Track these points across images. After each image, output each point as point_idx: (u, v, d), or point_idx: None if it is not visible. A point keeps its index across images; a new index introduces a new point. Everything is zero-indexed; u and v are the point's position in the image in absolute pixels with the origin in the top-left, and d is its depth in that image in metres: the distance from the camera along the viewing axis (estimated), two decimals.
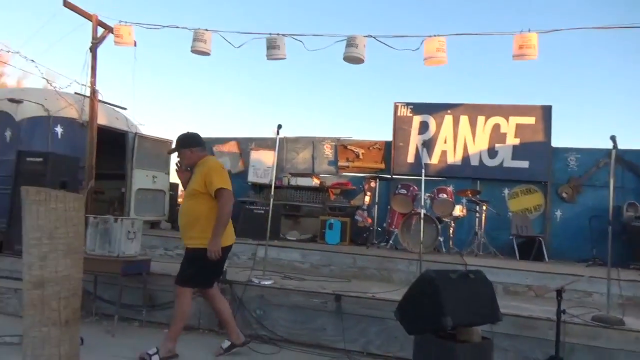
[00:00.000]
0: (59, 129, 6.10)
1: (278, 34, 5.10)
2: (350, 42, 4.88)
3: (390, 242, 6.60)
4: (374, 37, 4.87)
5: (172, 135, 9.21)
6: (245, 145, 8.64)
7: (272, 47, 5.15)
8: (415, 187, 6.68)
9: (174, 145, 4.01)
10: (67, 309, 2.22)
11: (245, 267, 5.48)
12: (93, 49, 6.19)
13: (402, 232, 6.37)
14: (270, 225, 6.90)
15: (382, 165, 8.14)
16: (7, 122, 5.95)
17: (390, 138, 8.06)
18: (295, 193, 7.89)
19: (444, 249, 6.47)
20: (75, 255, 2.27)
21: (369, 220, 7.26)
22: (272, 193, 4.98)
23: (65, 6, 5.79)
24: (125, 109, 7.51)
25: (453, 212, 6.59)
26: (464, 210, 6.79)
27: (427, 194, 6.58)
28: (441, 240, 6.43)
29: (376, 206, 7.17)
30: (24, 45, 5.93)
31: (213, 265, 3.55)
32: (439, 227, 6.31)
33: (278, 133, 4.84)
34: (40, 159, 5.23)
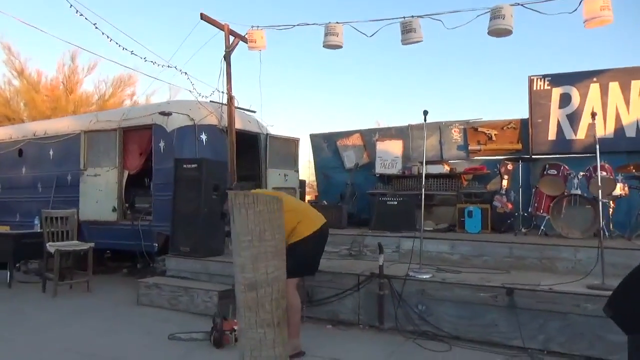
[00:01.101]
0: (203, 136, 6.47)
1: (413, 17, 4.87)
2: (496, 14, 4.50)
3: (542, 228, 6.05)
4: (522, 5, 4.43)
5: (299, 134, 9.35)
6: (369, 137, 8.52)
7: (408, 30, 4.94)
8: (566, 167, 6.07)
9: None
10: (278, 310, 2.24)
11: (391, 260, 5.37)
12: (227, 57, 6.47)
13: (553, 217, 5.83)
14: (405, 217, 6.82)
15: (519, 146, 7.53)
16: (160, 133, 6.45)
17: (525, 115, 7.42)
18: (426, 182, 7.57)
19: (607, 233, 5.77)
20: (281, 257, 2.29)
21: (510, 206, 6.74)
22: (424, 183, 4.78)
23: (202, 19, 6.11)
24: (254, 112, 7.79)
25: (613, 192, 5.87)
26: (625, 189, 6.01)
27: (582, 173, 5.95)
28: (603, 223, 5.74)
29: (520, 190, 6.61)
30: (171, 59, 6.32)
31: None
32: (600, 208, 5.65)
33: (425, 119, 4.62)
34: (195, 165, 5.57)
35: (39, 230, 6.59)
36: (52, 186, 7.55)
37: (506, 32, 4.68)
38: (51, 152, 7.75)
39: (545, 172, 6.09)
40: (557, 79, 7.19)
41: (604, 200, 5.88)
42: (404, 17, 4.92)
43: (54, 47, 28.29)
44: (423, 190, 4.83)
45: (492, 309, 3.95)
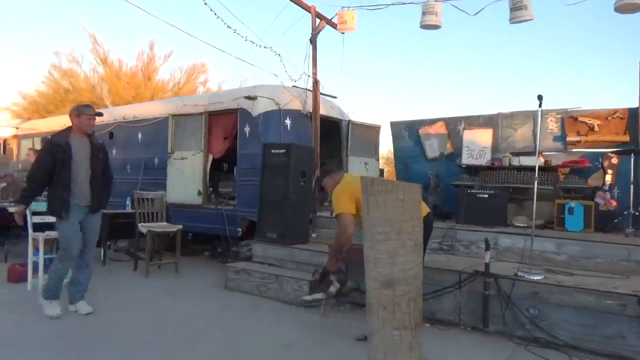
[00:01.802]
0: (288, 121, 6.36)
1: None
2: None
3: None
4: None
5: (380, 121, 9.05)
6: (454, 125, 8.06)
7: (517, 8, 4.50)
8: None
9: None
10: (416, 311, 2.01)
11: (482, 257, 5.00)
12: (313, 40, 6.28)
13: None
14: (497, 211, 6.37)
15: (626, 137, 6.79)
16: (246, 118, 6.41)
17: (635, 104, 6.67)
18: (518, 174, 7.05)
19: None
20: (420, 252, 2.05)
21: (614, 203, 6.08)
22: (537, 175, 4.37)
23: (291, 0, 5.95)
24: (335, 97, 7.58)
25: None
26: None
27: None
28: None
29: (632, 186, 5.96)
30: (261, 41, 6.21)
31: None
32: None
33: (540, 105, 4.19)
34: (284, 150, 5.45)
35: (130, 211, 6.79)
36: (140, 168, 7.77)
37: (636, 8, 4.12)
38: (140, 135, 7.97)
39: None
40: None
41: None
42: None
43: (133, 35, 29.55)
44: (536, 184, 4.42)
45: (619, 318, 3.51)
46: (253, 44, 6.32)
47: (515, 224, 6.64)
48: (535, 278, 3.96)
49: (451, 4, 4.89)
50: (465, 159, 7.58)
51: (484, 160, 7.44)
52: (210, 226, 6.78)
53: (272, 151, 5.56)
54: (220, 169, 7.82)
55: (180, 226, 6.16)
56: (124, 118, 8.43)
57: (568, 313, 3.72)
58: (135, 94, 19.53)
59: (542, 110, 4.25)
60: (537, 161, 4.49)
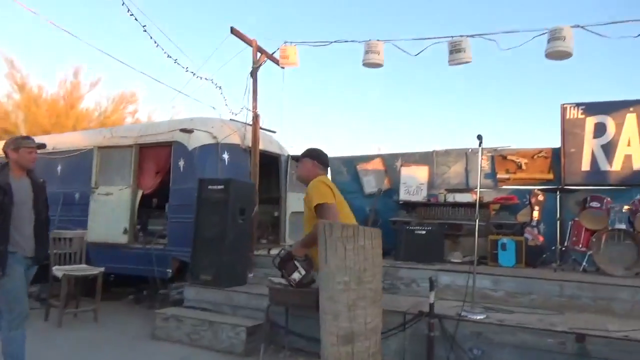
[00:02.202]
0: (226, 156, 6.14)
1: (462, 36, 4.63)
2: (555, 35, 4.27)
3: (584, 263, 5.70)
4: (584, 27, 4.20)
5: None
6: (391, 162, 8.19)
7: (456, 50, 4.69)
8: (609, 199, 5.77)
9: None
10: None
11: (426, 296, 4.98)
12: (254, 74, 6.18)
13: (595, 252, 5.50)
14: (434, 247, 6.47)
15: (550, 176, 7.20)
16: (181, 151, 6.10)
17: (557, 144, 7.16)
18: (453, 211, 7.24)
19: None
20: (380, 302, 1.91)
21: (541, 239, 6.39)
22: (477, 213, 4.42)
23: (233, 33, 5.84)
24: (274, 132, 7.48)
25: None
26: None
27: (627, 206, 5.65)
28: None
29: (557, 222, 6.29)
30: (198, 70, 5.98)
31: None
32: None
33: (480, 144, 4.31)
34: (222, 186, 5.21)
35: None
36: (58, 204, 7.11)
37: (566, 55, 4.45)
38: (59, 168, 7.34)
39: (587, 205, 5.78)
40: (591, 108, 6.94)
41: None
42: (452, 37, 4.68)
43: (57, 60, 28.00)
44: (477, 221, 4.44)
45: (559, 357, 3.57)
46: (194, 75, 6.10)
47: (452, 260, 6.76)
48: (478, 317, 3.96)
49: (393, 44, 5.01)
50: (403, 195, 7.69)
51: (421, 196, 7.58)
52: (136, 267, 6.29)
53: (209, 187, 5.29)
54: (149, 206, 7.35)
55: (102, 269, 5.64)
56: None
57: (511, 352, 3.73)
58: (55, 122, 18.32)
59: (481, 149, 4.38)
60: (477, 199, 4.60)
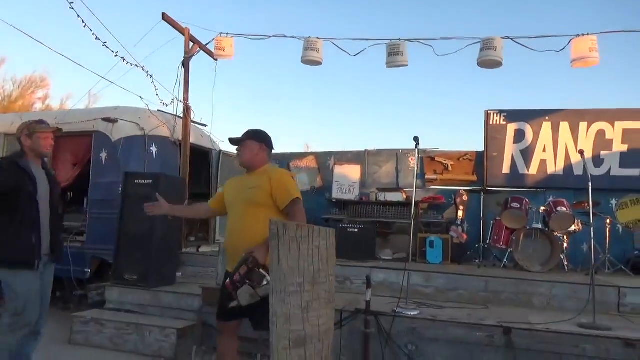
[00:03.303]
0: (154, 149, 5.81)
1: (400, 39, 4.74)
2: (487, 45, 4.50)
3: (505, 260, 6.08)
4: (512, 39, 4.46)
5: None
6: (324, 160, 8.25)
7: (394, 53, 4.79)
8: (528, 201, 6.20)
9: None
10: None
11: (360, 292, 5.05)
12: (186, 64, 5.91)
13: (516, 250, 5.89)
14: (366, 245, 6.58)
15: (474, 177, 7.66)
16: (103, 142, 5.67)
17: (481, 148, 7.59)
18: (384, 209, 7.42)
19: (565, 268, 5.92)
20: (333, 304, 1.87)
21: (464, 237, 6.75)
22: (413, 212, 4.52)
23: (164, 19, 5.53)
24: (205, 125, 7.21)
25: (570, 227, 6.09)
26: (579, 225, 6.25)
27: (543, 207, 6.11)
28: (561, 257, 5.91)
29: (481, 221, 6.66)
30: (127, 56, 5.53)
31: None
32: (561, 243, 5.84)
33: (417, 146, 4.42)
34: (150, 181, 4.90)
35: None
36: None
37: (496, 64, 4.70)
38: None
39: (508, 206, 6.16)
40: (512, 115, 7.46)
41: (560, 235, 6.11)
42: (391, 40, 4.77)
43: None
44: (412, 219, 4.56)
45: (488, 349, 3.76)
46: (123, 60, 5.66)
47: (383, 257, 6.93)
48: (413, 314, 4.07)
49: (332, 42, 5.02)
50: (336, 193, 7.77)
51: (353, 195, 7.70)
52: None
53: (136, 181, 4.96)
54: (63, 200, 6.78)
55: None
56: None
57: (443, 347, 3.87)
58: None
59: (418, 150, 4.48)
60: (413, 198, 4.64)
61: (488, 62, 4.69)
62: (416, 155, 4.48)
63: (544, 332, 3.68)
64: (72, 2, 4.68)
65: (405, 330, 3.96)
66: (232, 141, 3.09)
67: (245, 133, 3.11)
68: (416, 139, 4.40)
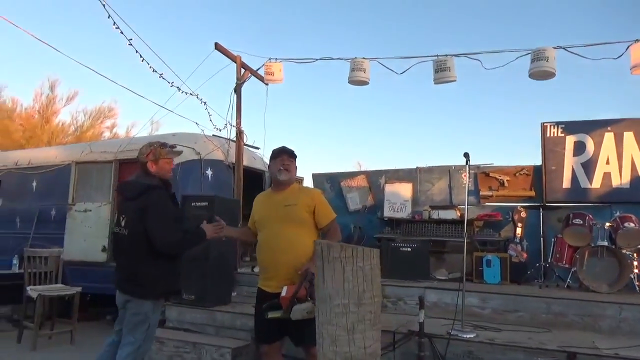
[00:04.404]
0: (209, 172, 6.05)
1: (447, 55, 4.70)
2: (539, 56, 4.38)
3: (568, 280, 5.74)
4: (565, 48, 4.31)
5: (303, 172, 8.98)
6: (375, 179, 8.21)
7: (441, 69, 4.76)
8: (591, 216, 5.86)
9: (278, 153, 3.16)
10: None
11: (414, 314, 4.94)
12: (238, 90, 6.14)
13: (580, 269, 5.55)
14: (420, 264, 6.43)
15: (532, 193, 7.33)
16: None
17: (539, 162, 7.28)
18: (437, 227, 7.26)
19: (637, 289, 5.50)
20: (379, 325, 1.86)
21: (524, 255, 6.43)
22: (465, 231, 4.40)
23: (217, 49, 5.81)
24: (258, 148, 7.42)
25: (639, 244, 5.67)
26: None
27: (608, 223, 5.74)
28: (631, 277, 5.51)
29: (541, 239, 6.36)
30: (182, 85, 5.88)
31: None
32: (631, 261, 5.46)
33: (467, 162, 4.32)
34: (206, 203, 5.09)
35: (17, 271, 5.89)
36: (32, 221, 6.88)
37: (549, 75, 4.56)
38: (34, 184, 7.12)
39: (570, 222, 5.85)
40: (570, 127, 7.10)
41: (629, 253, 5.69)
42: (438, 55, 4.75)
43: (30, 75, 27.50)
44: (465, 237, 4.43)
45: None
46: (179, 89, 6.00)
47: (437, 277, 6.76)
48: (468, 336, 3.93)
49: (378, 62, 5.06)
50: (387, 212, 7.69)
51: (405, 213, 7.60)
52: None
53: (193, 204, 5.17)
54: None
55: (79, 288, 5.44)
56: (16, 164, 7.52)
57: None
58: (29, 136, 17.88)
59: (468, 166, 4.39)
60: (465, 216, 4.52)
61: (540, 74, 4.55)
62: (467, 171, 4.38)
63: (612, 357, 3.44)
64: (131, 40, 5.02)
65: (461, 353, 3.83)
66: (292, 153, 3.12)
67: (291, 150, 3.17)
68: (466, 155, 4.31)
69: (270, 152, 3.21)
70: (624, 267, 5.41)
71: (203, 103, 6.10)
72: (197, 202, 5.17)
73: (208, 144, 6.27)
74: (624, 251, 5.62)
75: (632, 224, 5.60)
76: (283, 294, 2.64)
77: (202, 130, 6.39)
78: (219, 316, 4.88)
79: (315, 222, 3.01)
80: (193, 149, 6.05)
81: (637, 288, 5.44)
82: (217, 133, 6.65)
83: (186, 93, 6.02)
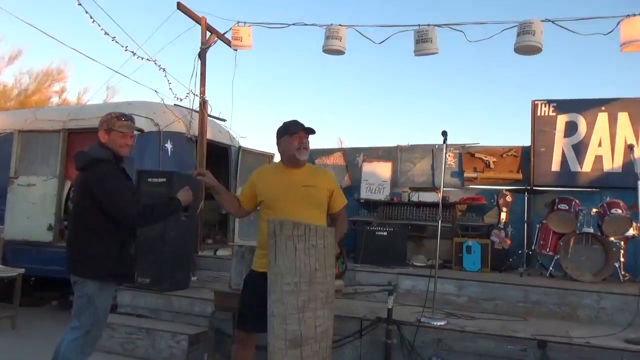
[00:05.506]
0: (169, 145, 6.10)
1: (429, 25, 4.82)
2: (525, 29, 4.52)
3: (551, 268, 6.02)
4: (553, 22, 4.47)
5: (274, 148, 9.08)
6: (353, 157, 8.37)
7: (423, 40, 4.87)
8: (578, 202, 6.11)
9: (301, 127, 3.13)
10: None
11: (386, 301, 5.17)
12: (202, 55, 6.16)
13: (561, 257, 5.82)
14: (396, 250, 6.65)
15: (519, 176, 7.60)
16: None
17: (527, 143, 7.53)
18: (417, 211, 7.47)
19: (621, 278, 5.81)
20: (332, 305, 2.01)
21: (508, 242, 6.67)
22: (440, 214, 4.60)
23: (179, 9, 5.80)
24: (224, 120, 7.48)
25: (626, 232, 5.97)
26: (638, 229, 6.13)
27: (595, 209, 6.00)
28: (616, 266, 5.81)
29: (524, 224, 6.63)
30: (143, 52, 5.85)
31: None
32: (617, 249, 5.76)
33: (444, 142, 4.48)
34: (163, 179, 5.18)
35: None
36: None
37: (535, 50, 4.70)
38: None
39: (555, 207, 6.09)
40: (563, 106, 7.34)
41: (616, 241, 5.98)
42: (419, 25, 4.86)
43: None
44: (440, 222, 4.64)
45: None
46: (134, 54, 5.97)
47: (415, 263, 7.00)
48: (438, 324, 4.15)
49: (356, 30, 5.14)
50: (364, 194, 7.88)
51: (383, 195, 7.80)
52: (62, 269, 6.11)
53: (149, 180, 5.25)
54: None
55: (22, 270, 5.49)
56: None
57: (471, 359, 3.94)
58: None
59: (446, 146, 4.56)
60: (440, 198, 4.72)
61: (526, 48, 4.70)
62: (444, 150, 4.54)
63: (583, 346, 3.69)
64: None
65: (430, 341, 4.06)
66: (308, 131, 3.08)
67: (307, 127, 3.12)
68: (444, 133, 4.47)
69: (281, 126, 3.14)
70: (610, 255, 5.68)
71: (162, 70, 6.09)
72: (154, 178, 5.24)
73: (168, 115, 6.30)
74: (611, 239, 5.92)
75: (619, 210, 5.85)
76: None
77: (162, 100, 6.40)
78: (175, 301, 5.01)
79: (329, 206, 3.12)
80: (151, 119, 6.07)
81: (622, 278, 5.75)
82: (178, 102, 6.67)
83: (142, 58, 6.00)
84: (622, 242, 6.00)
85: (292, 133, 3.06)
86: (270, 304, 1.96)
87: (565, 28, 4.49)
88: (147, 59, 6.04)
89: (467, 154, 7.87)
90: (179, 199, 3.25)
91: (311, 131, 3.07)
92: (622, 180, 6.88)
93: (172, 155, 6.18)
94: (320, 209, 3.06)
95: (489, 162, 7.77)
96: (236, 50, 6.20)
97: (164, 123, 6.15)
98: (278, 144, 3.16)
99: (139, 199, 3.20)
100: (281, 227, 1.92)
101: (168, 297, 5.06)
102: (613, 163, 7.05)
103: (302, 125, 3.12)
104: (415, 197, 7.55)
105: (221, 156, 7.28)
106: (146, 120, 6.03)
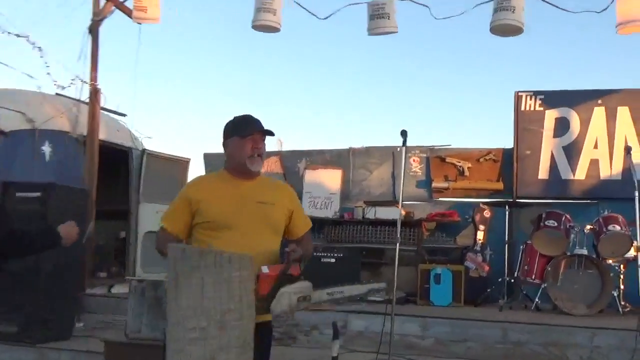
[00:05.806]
0: (47, 148, 5.99)
1: None
2: (503, 6, 4.68)
3: (537, 300, 6.22)
4: None
5: (190, 152, 9.04)
6: (292, 163, 8.43)
7: (378, 16, 4.98)
8: (569, 216, 6.35)
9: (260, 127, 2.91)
10: None
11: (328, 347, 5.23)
12: (94, 30, 6.08)
13: (549, 285, 6.03)
14: (346, 280, 6.71)
15: (500, 185, 7.85)
16: None
17: (509, 144, 7.80)
18: (374, 231, 7.58)
19: (621, 310, 6.06)
20: (250, 353, 2.02)
21: (486, 268, 6.83)
22: (399, 234, 4.70)
23: None
24: (124, 115, 7.40)
25: (627, 253, 6.25)
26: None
27: (589, 226, 6.23)
28: (615, 294, 6.05)
29: (506, 246, 6.82)
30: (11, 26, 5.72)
31: None
32: (615, 275, 6.03)
33: (404, 143, 4.60)
34: (38, 194, 5.07)
35: None
36: None
37: (515, 30, 4.88)
38: None
39: (542, 224, 6.28)
40: (551, 98, 7.60)
41: (614, 264, 6.23)
42: None
43: None
44: (397, 246, 4.74)
45: None
46: None
47: (370, 297, 7.08)
48: None
49: (295, 2, 5.20)
50: (307, 210, 7.89)
51: (331, 211, 7.87)
52: None
53: (17, 194, 5.12)
54: None
55: None
56: None
57: None
58: None
59: (405, 149, 4.68)
60: (399, 212, 4.83)
61: (503, 28, 4.86)
62: (403, 154, 4.66)
63: None
64: None
65: None
66: (268, 131, 2.94)
67: (265, 129, 2.93)
68: (404, 132, 4.58)
69: (230, 122, 2.98)
70: (607, 282, 5.92)
71: (37, 49, 5.96)
72: (25, 191, 5.12)
73: (47, 108, 6.19)
74: (608, 262, 6.17)
75: (617, 227, 6.06)
76: (265, 271, 2.46)
77: (39, 88, 6.28)
78: (53, 356, 4.89)
79: (288, 230, 3.01)
80: (22, 113, 5.94)
81: (622, 309, 5.99)
82: (62, 92, 6.55)
83: (9, 33, 5.86)
84: (621, 266, 6.24)
85: (244, 135, 2.95)
86: (170, 356, 1.95)
87: (551, 3, 4.68)
88: (17, 35, 5.90)
89: (436, 159, 8.06)
90: (58, 233, 3.15)
91: (269, 133, 2.98)
92: (622, 189, 7.00)
93: (52, 162, 6.07)
94: (277, 234, 2.97)
95: (462, 169, 7.98)
96: (140, 24, 6.13)
97: (41, 119, 6.04)
98: (224, 145, 3.03)
99: None
100: (183, 255, 1.92)
101: (42, 351, 4.93)
102: (612, 169, 7.32)
103: (257, 125, 2.98)
104: (372, 213, 7.66)
105: (119, 162, 7.18)
106: (15, 114, 5.90)
